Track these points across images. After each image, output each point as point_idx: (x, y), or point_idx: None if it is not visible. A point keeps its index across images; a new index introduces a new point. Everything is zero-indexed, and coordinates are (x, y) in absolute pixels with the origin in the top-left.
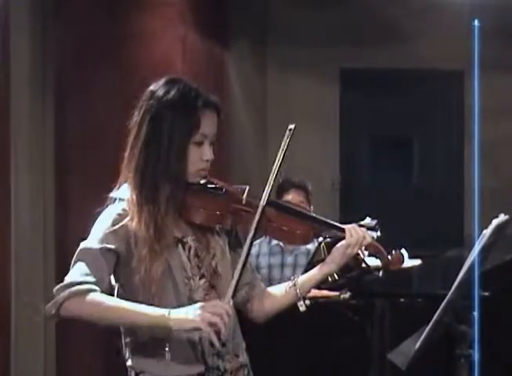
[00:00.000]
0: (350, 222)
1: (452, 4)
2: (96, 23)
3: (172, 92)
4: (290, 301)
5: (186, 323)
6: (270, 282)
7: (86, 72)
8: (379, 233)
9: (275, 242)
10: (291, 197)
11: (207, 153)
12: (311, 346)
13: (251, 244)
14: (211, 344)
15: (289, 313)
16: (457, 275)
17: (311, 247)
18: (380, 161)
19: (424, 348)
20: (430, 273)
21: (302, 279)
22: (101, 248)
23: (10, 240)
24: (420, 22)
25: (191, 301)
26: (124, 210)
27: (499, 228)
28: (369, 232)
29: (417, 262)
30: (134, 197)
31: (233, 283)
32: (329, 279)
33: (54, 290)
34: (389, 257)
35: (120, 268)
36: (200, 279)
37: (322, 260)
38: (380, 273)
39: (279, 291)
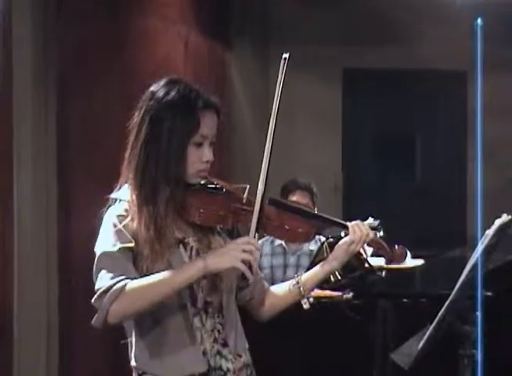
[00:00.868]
0: None
1: (454, 4)
2: (98, 23)
3: (172, 93)
4: (294, 299)
5: (222, 264)
6: (272, 282)
7: (88, 72)
8: (381, 233)
9: (277, 243)
10: (296, 198)
11: (207, 154)
12: (314, 346)
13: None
14: (244, 278)
15: (292, 313)
16: (460, 275)
17: (313, 247)
18: (382, 161)
19: (427, 348)
20: (433, 273)
21: (305, 276)
22: (119, 249)
23: (13, 239)
24: (423, 22)
25: (193, 301)
26: (125, 210)
27: (502, 228)
28: (372, 231)
29: (420, 262)
30: (134, 197)
31: (254, 221)
32: (332, 279)
33: (92, 302)
34: (392, 252)
35: (137, 263)
36: (201, 279)
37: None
38: (383, 273)
39: (283, 290)
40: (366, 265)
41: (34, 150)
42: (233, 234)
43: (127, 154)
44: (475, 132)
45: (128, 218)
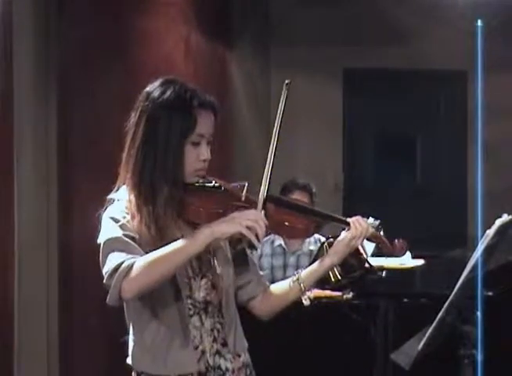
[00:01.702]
0: None
1: (455, 4)
2: (99, 23)
3: (168, 93)
4: (294, 296)
5: (229, 230)
6: (272, 283)
7: (89, 72)
8: (382, 233)
9: (277, 243)
10: (295, 198)
11: (204, 152)
12: (314, 346)
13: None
14: (251, 246)
15: (291, 313)
16: (460, 275)
17: (313, 247)
18: (383, 161)
19: (428, 348)
20: (434, 273)
21: (305, 273)
22: (123, 234)
23: (13, 239)
24: (424, 22)
25: (191, 301)
26: (126, 207)
27: (503, 228)
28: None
29: (420, 262)
30: (132, 198)
31: (263, 188)
32: (332, 279)
33: (104, 282)
34: (392, 245)
35: None
36: (201, 279)
37: None
38: (384, 273)
39: (283, 287)
40: (366, 265)
41: (35, 150)
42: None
43: (124, 155)
44: (475, 132)
45: (128, 217)
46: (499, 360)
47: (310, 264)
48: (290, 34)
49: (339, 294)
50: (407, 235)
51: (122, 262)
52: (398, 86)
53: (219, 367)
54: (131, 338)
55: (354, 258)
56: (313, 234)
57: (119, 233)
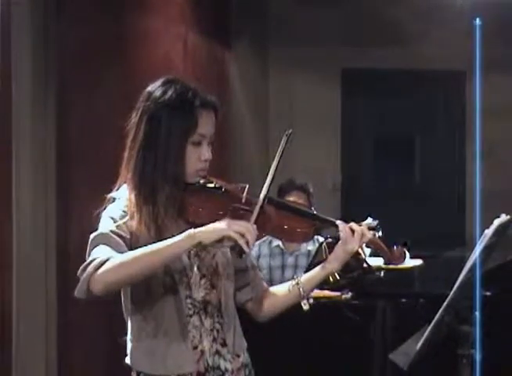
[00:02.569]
0: None
1: (454, 4)
2: (98, 22)
3: (169, 93)
4: (293, 300)
5: (214, 233)
6: (271, 283)
7: (88, 71)
8: (380, 233)
9: (275, 243)
10: (292, 198)
11: (205, 153)
12: (313, 347)
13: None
14: (240, 253)
15: (290, 314)
16: (459, 275)
17: (311, 247)
18: (381, 162)
19: (426, 348)
20: (432, 273)
21: (305, 278)
22: (112, 231)
23: (12, 238)
24: (422, 22)
25: (191, 300)
26: (125, 206)
27: (501, 228)
28: (370, 232)
29: (419, 262)
30: (132, 197)
31: (257, 207)
32: (331, 279)
33: (78, 273)
34: (391, 253)
35: None
36: (200, 279)
37: (324, 260)
38: (382, 273)
39: (282, 291)
40: (365, 265)
41: (34, 150)
42: None
43: (125, 155)
44: (474, 133)
45: (127, 217)
46: (497, 360)
47: (309, 264)
48: (289, 35)
49: (338, 294)
50: (405, 235)
51: (98, 257)
52: (397, 86)
53: (218, 367)
54: (129, 337)
55: (352, 258)
56: (312, 238)
57: (110, 229)
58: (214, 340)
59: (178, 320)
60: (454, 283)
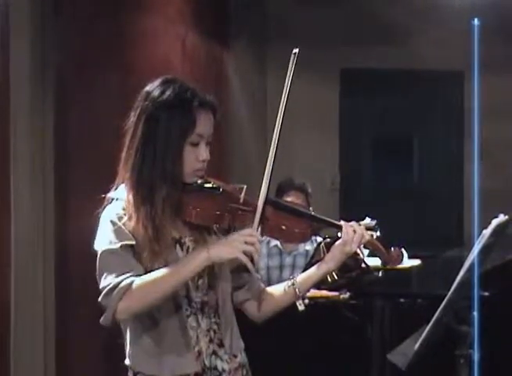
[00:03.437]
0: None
1: (452, 4)
2: (96, 22)
3: (167, 93)
4: (289, 300)
5: (226, 255)
6: (269, 283)
7: (86, 71)
8: (378, 233)
9: (273, 243)
10: (291, 198)
11: (203, 153)
12: (311, 346)
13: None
14: (247, 269)
15: (288, 313)
16: (457, 275)
17: (309, 247)
18: (379, 161)
19: (424, 348)
20: (430, 273)
21: (301, 278)
22: (121, 246)
23: (10, 240)
24: (420, 22)
25: (188, 301)
26: (123, 209)
27: (499, 228)
28: (368, 232)
29: (417, 262)
30: (131, 197)
31: (257, 215)
32: (329, 279)
33: (99, 300)
34: (388, 254)
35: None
36: (198, 279)
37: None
38: (380, 273)
39: (278, 291)
40: (363, 265)
41: (32, 150)
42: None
43: (123, 154)
44: (472, 132)
45: (126, 218)
46: (495, 360)
47: (306, 264)
48: (288, 35)
49: (336, 294)
50: (403, 235)
51: (119, 283)
52: (395, 86)
53: (215, 368)
54: (127, 338)
55: (350, 258)
56: (310, 239)
57: (116, 244)
58: (211, 340)
59: (177, 321)
60: (452, 284)
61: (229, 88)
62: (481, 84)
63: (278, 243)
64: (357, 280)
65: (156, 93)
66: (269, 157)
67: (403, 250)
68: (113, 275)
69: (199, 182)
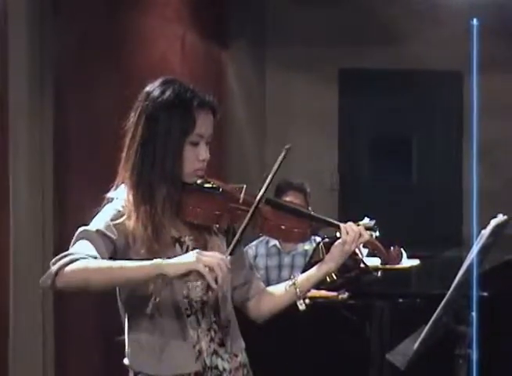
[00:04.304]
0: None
1: (450, 4)
2: (95, 22)
3: (168, 93)
4: (290, 300)
5: (182, 266)
6: (268, 283)
7: (85, 72)
8: (377, 233)
9: (272, 243)
10: (289, 198)
11: (203, 153)
12: (310, 346)
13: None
14: (207, 289)
15: (288, 314)
16: (456, 275)
17: (308, 247)
18: (378, 161)
19: (423, 348)
20: (429, 273)
21: (301, 278)
22: (97, 230)
23: (9, 236)
24: (419, 22)
25: (188, 300)
26: (122, 207)
27: (498, 228)
28: (368, 232)
29: (416, 262)
30: (130, 197)
31: (234, 241)
32: (328, 279)
33: (51, 262)
34: (388, 254)
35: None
36: (197, 279)
37: (321, 260)
38: (379, 273)
39: (279, 291)
40: (362, 265)
41: (31, 150)
42: (230, 234)
43: (123, 154)
44: (471, 132)
45: (124, 217)
46: (493, 360)
47: (305, 264)
48: (286, 35)
49: (334, 294)
50: (402, 235)
51: (74, 253)
52: (394, 86)
53: (216, 367)
54: (127, 337)
55: (349, 258)
56: (309, 239)
57: (97, 228)
58: (212, 340)
59: (177, 321)
60: (451, 284)
61: (228, 88)
62: (480, 84)
63: (277, 242)
64: (356, 280)
65: (156, 93)
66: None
67: (402, 250)
68: (77, 248)
69: (199, 182)
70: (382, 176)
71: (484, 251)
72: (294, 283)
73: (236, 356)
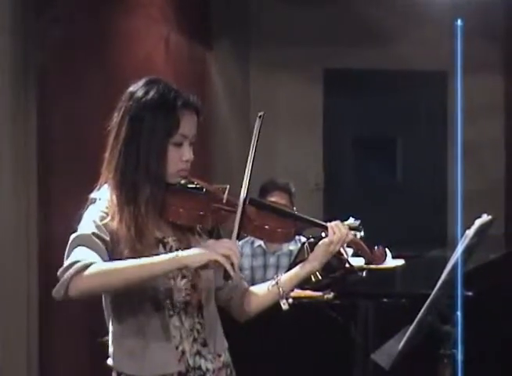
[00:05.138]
0: None
1: (435, 4)
2: (79, 22)
3: (151, 93)
4: (273, 299)
5: (200, 257)
6: (253, 283)
7: (69, 72)
8: (362, 233)
9: (257, 244)
10: (274, 198)
11: (187, 153)
12: (295, 346)
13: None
14: (226, 276)
15: (272, 313)
16: (441, 275)
17: (293, 247)
18: (363, 161)
19: (408, 348)
20: (414, 273)
21: (285, 277)
22: (93, 233)
23: None
24: (404, 22)
25: (171, 301)
26: (106, 208)
27: (482, 228)
28: (352, 231)
29: (400, 262)
30: (114, 197)
31: (236, 225)
32: (313, 279)
33: (58, 273)
34: (372, 254)
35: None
36: (181, 279)
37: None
38: (364, 273)
39: (262, 290)
40: (347, 265)
41: (14, 150)
42: (213, 235)
43: (106, 154)
44: (455, 133)
45: (109, 218)
46: (478, 360)
47: (290, 264)
48: (270, 35)
49: (319, 294)
50: (387, 235)
51: (80, 260)
52: (379, 86)
53: (199, 368)
54: (111, 338)
55: (334, 258)
56: (293, 239)
57: (90, 230)
58: (195, 340)
59: (160, 321)
60: (436, 283)
61: (212, 88)
62: (465, 84)
63: (262, 243)
64: (341, 280)
65: (140, 93)
66: (247, 166)
67: (387, 249)
68: (79, 254)
69: (182, 182)
70: (367, 176)
71: (468, 250)
72: (277, 283)
73: (220, 355)
